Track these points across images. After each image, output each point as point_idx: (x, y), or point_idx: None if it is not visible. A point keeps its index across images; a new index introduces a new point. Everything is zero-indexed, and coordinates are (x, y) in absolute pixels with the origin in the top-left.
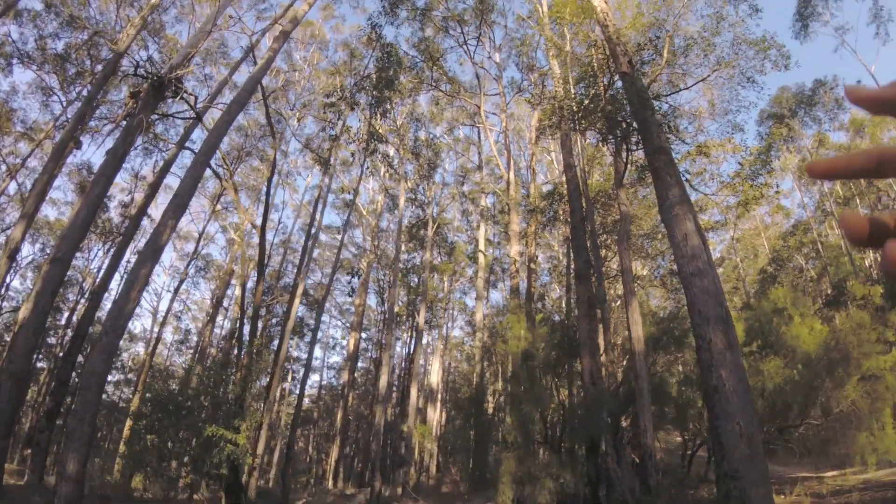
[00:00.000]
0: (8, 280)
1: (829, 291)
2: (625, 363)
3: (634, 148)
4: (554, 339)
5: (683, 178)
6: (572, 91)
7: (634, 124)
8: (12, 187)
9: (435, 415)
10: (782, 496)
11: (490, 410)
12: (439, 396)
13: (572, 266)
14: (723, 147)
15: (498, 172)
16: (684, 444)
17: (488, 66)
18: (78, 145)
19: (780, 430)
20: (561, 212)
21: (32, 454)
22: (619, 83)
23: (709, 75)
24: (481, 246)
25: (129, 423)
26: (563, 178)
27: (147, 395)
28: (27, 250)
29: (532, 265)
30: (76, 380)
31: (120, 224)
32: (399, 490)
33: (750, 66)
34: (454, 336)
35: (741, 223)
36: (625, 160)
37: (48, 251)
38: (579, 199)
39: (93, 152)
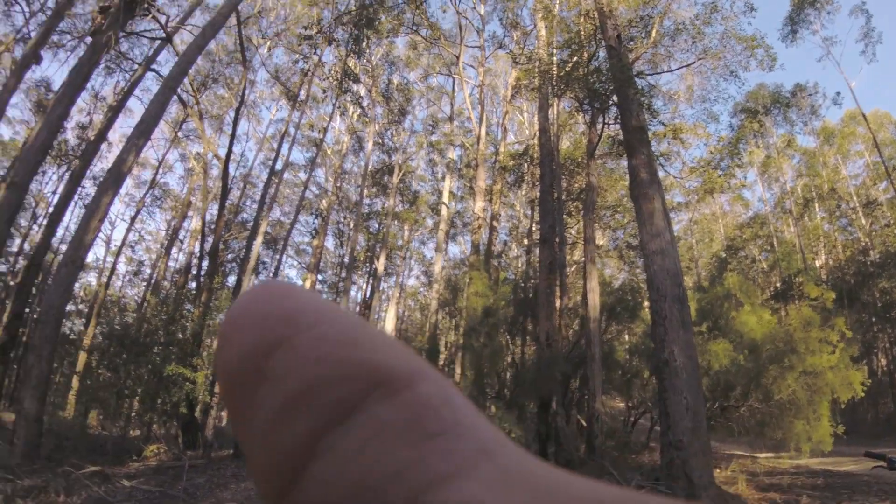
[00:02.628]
0: None
1: (777, 285)
2: (575, 328)
3: (611, 122)
4: (514, 298)
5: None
6: (555, 56)
7: (614, 98)
8: None
9: None
10: (718, 470)
11: (440, 362)
12: None
13: (536, 229)
14: (694, 132)
15: (468, 125)
16: (627, 411)
17: (471, 16)
18: (38, 60)
19: (722, 409)
20: (529, 174)
21: None
22: (603, 55)
23: (693, 62)
24: (445, 198)
25: (82, 357)
26: (535, 141)
27: (103, 329)
28: None
29: (494, 223)
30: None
31: (77, 147)
32: None
33: (735, 60)
34: (409, 285)
35: (701, 207)
36: (599, 132)
37: (1, 172)
38: (550, 164)
39: (54, 69)
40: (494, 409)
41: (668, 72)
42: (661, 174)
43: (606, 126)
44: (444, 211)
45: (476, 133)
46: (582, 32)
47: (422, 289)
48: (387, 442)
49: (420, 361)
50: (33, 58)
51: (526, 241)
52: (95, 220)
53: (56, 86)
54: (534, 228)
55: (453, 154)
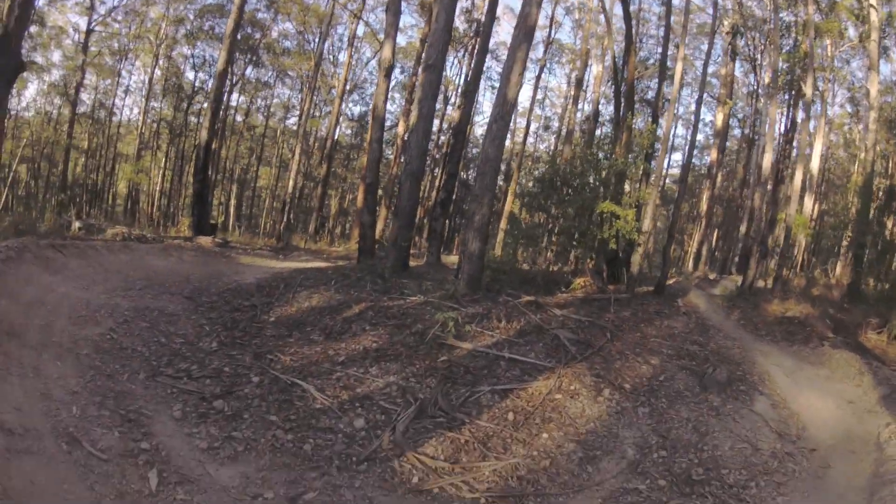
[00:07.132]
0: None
1: None
2: None
3: None
4: None
5: None
6: None
7: None
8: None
9: (809, 206)
10: None
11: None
12: (814, 186)
13: None
14: None
15: None
16: None
17: None
18: None
19: None
20: None
21: (430, 239)
22: None
23: None
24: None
25: (509, 202)
26: None
27: (535, 175)
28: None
29: None
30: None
31: (468, 30)
32: (765, 283)
33: None
34: (834, 114)
35: None
36: None
37: (406, 72)
38: None
39: None
40: None
41: None
42: None
43: None
44: (872, 15)
45: None
46: None
47: (847, 121)
48: None
49: None
50: None
51: None
52: (515, 75)
53: None
54: None
55: None
